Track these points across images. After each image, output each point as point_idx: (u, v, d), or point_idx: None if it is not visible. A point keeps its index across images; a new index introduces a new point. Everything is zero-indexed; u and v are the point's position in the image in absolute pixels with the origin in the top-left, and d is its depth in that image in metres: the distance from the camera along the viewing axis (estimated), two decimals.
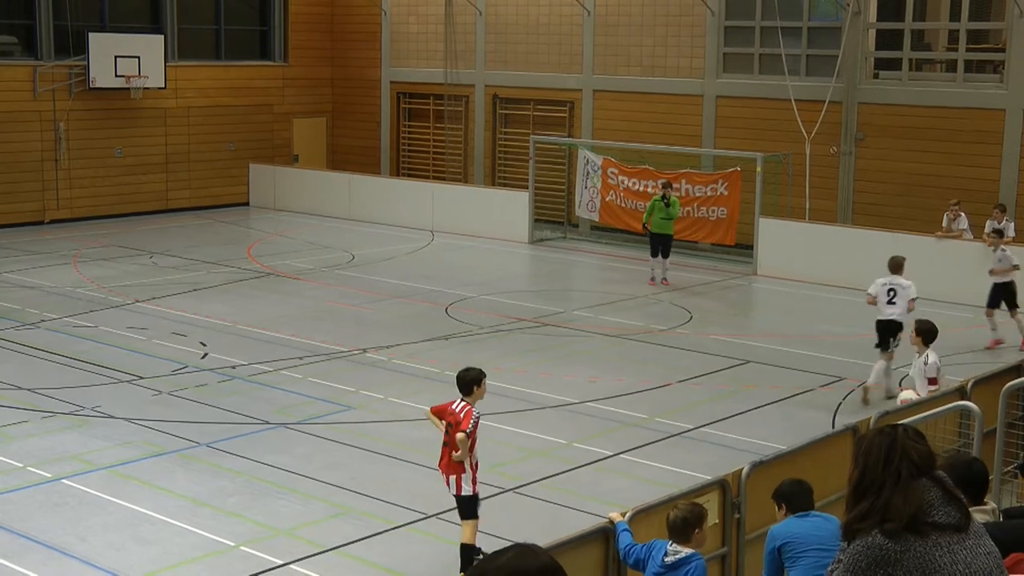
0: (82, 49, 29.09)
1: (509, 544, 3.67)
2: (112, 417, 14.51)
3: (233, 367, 16.80)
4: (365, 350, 17.84)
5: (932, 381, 11.75)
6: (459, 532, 10.53)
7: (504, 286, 22.84)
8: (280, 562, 10.56)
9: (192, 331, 18.74)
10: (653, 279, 23.18)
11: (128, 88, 29.68)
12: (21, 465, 12.84)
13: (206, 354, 17.41)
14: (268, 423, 14.45)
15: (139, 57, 29.59)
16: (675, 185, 25.69)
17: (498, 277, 23.85)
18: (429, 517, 11.63)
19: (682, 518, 7.47)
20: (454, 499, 10.52)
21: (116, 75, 29.29)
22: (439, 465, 10.60)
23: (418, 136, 33.15)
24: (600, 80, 28.91)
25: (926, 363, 12.14)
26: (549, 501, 12.11)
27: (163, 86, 30.27)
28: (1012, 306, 17.83)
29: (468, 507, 10.40)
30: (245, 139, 32.79)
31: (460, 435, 10.28)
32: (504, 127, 31.19)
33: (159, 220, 30.03)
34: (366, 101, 33.77)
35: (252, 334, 18.64)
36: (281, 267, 24.19)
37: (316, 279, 23.18)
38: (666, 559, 7.41)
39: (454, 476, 10.39)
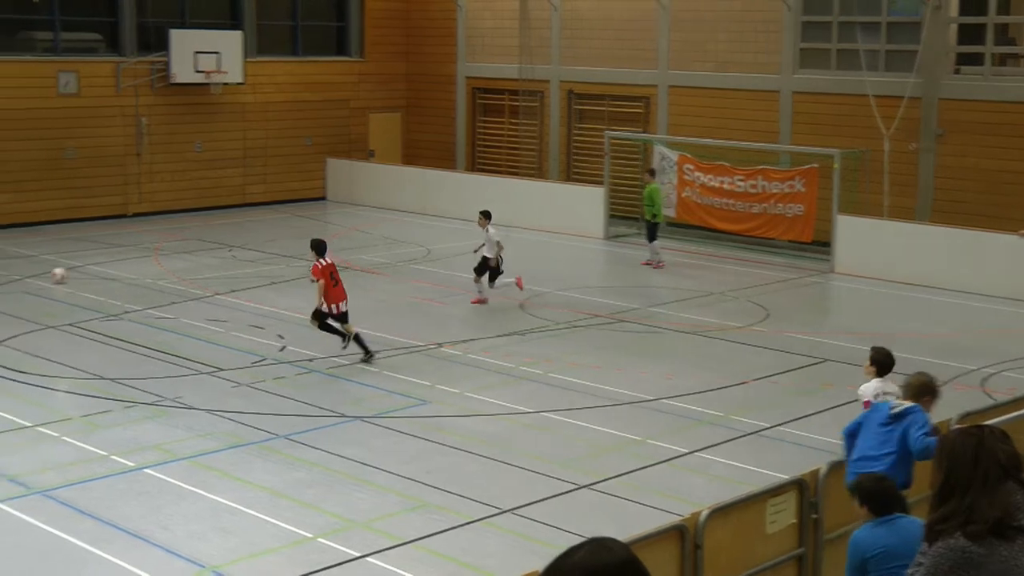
0: (163, 45, 29.54)
1: (583, 540, 3.65)
2: (193, 408, 14.74)
3: (311, 360, 16.99)
4: (440, 344, 17.94)
5: (865, 405, 11.11)
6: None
7: (579, 282, 22.84)
8: (357, 554, 10.67)
9: (270, 324, 18.97)
10: (656, 261, 24.46)
11: (208, 83, 30.09)
12: (105, 454, 13.09)
13: (284, 347, 17.62)
14: (345, 416, 14.59)
15: (219, 53, 29.99)
16: (751, 182, 25.62)
17: (573, 273, 23.86)
18: (504, 512, 11.67)
19: (921, 382, 9.21)
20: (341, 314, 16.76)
21: (196, 71, 29.71)
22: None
23: (493, 131, 33.24)
24: (675, 76, 28.80)
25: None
26: (623, 498, 12.11)
27: (242, 81, 30.65)
28: (487, 278, 20.41)
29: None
30: (322, 134, 33.10)
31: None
32: (579, 122, 31.17)
33: (237, 214, 30.41)
34: (441, 96, 33.92)
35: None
36: (358, 261, 24.38)
37: (392, 273, 23.35)
38: (892, 411, 8.88)
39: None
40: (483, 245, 20.61)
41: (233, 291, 21.32)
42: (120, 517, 11.36)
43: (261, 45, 32.01)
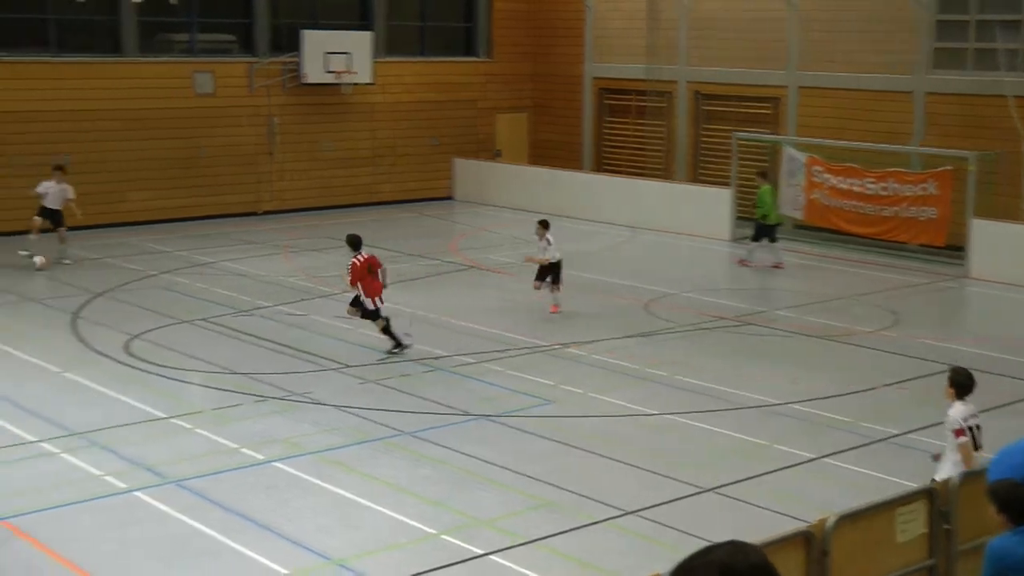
0: (295, 46, 30.07)
1: (713, 543, 3.65)
2: (320, 403, 14.98)
3: (436, 358, 17.14)
4: (565, 344, 17.97)
5: (958, 433, 10.69)
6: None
7: (705, 283, 22.67)
8: (480, 552, 10.73)
9: (397, 321, 19.15)
10: (751, 261, 24.64)
11: (338, 83, 30.55)
12: (236, 446, 13.39)
13: (410, 344, 17.78)
14: (469, 414, 14.69)
15: (349, 53, 30.43)
16: (883, 184, 25.20)
17: (699, 274, 23.69)
18: (628, 514, 11.64)
19: None
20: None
21: (327, 71, 30.19)
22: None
23: (619, 132, 33.15)
24: (805, 76, 28.40)
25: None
26: (748, 502, 11.99)
27: (371, 81, 31.05)
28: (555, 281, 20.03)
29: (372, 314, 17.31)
30: (449, 134, 33.38)
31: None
32: (706, 123, 30.92)
33: (365, 213, 30.79)
34: (568, 96, 33.94)
35: (455, 326, 18.96)
36: (484, 261, 24.53)
37: (518, 273, 23.41)
38: None
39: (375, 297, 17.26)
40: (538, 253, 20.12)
41: None
42: (250, 508, 11.60)
43: (390, 45, 32.40)
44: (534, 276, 20.20)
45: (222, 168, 29.73)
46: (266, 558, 10.53)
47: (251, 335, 18.24)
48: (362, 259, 17.29)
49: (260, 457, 13.06)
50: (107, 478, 12.41)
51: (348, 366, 16.66)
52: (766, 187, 24.86)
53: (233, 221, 28.82)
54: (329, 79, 30.30)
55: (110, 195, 28.10)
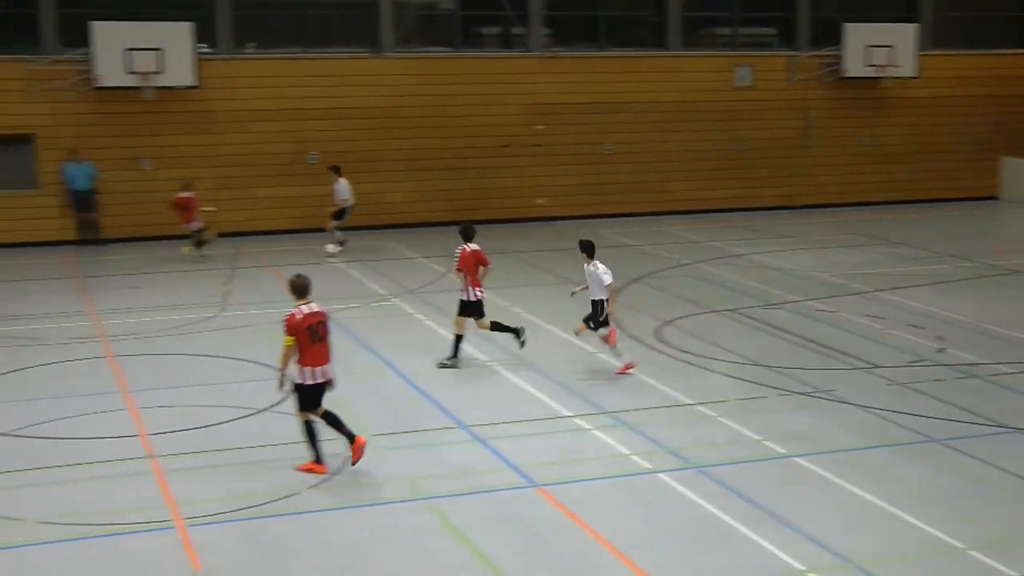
0: (835, 39, 29.73)
1: None
2: (845, 402, 14.71)
3: (972, 365, 16.34)
4: None
5: None
6: None
7: None
8: (1015, 574, 10.10)
9: (930, 324, 18.48)
10: None
11: (878, 77, 29.87)
12: (758, 438, 13.44)
13: (944, 349, 17.08)
14: (1004, 426, 13.88)
15: (892, 46, 29.72)
16: None
17: None
18: None
19: None
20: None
21: (867, 64, 29.60)
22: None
23: None
24: None
25: None
26: None
27: (915, 75, 30.07)
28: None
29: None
30: (999, 130, 31.67)
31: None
32: None
33: (904, 210, 29.90)
34: None
35: (994, 333, 18.00)
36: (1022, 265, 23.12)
37: None
38: None
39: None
40: (584, 287, 16.03)
41: (894, 288, 21.01)
42: (769, 501, 11.60)
43: (936, 38, 31.19)
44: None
45: (758, 161, 29.96)
46: (784, 552, 10.49)
47: (778, 328, 18.23)
48: (469, 249, 16.20)
49: (782, 451, 13.04)
50: (633, 457, 12.87)
51: (877, 366, 16.25)
52: None
53: (767, 214, 28.94)
54: (869, 73, 29.67)
55: (651, 184, 29.12)
